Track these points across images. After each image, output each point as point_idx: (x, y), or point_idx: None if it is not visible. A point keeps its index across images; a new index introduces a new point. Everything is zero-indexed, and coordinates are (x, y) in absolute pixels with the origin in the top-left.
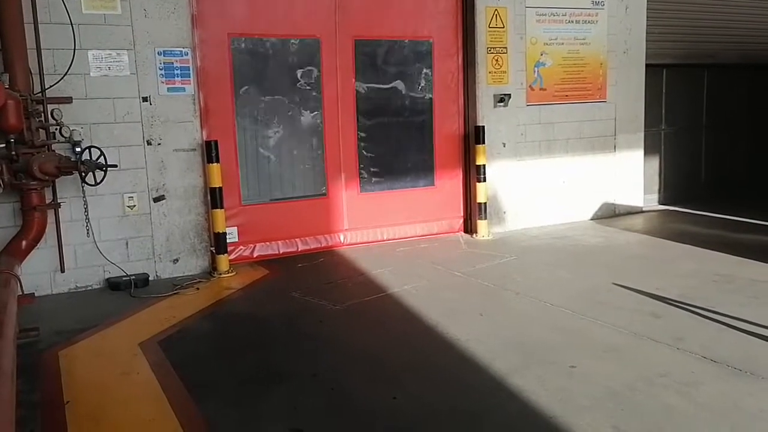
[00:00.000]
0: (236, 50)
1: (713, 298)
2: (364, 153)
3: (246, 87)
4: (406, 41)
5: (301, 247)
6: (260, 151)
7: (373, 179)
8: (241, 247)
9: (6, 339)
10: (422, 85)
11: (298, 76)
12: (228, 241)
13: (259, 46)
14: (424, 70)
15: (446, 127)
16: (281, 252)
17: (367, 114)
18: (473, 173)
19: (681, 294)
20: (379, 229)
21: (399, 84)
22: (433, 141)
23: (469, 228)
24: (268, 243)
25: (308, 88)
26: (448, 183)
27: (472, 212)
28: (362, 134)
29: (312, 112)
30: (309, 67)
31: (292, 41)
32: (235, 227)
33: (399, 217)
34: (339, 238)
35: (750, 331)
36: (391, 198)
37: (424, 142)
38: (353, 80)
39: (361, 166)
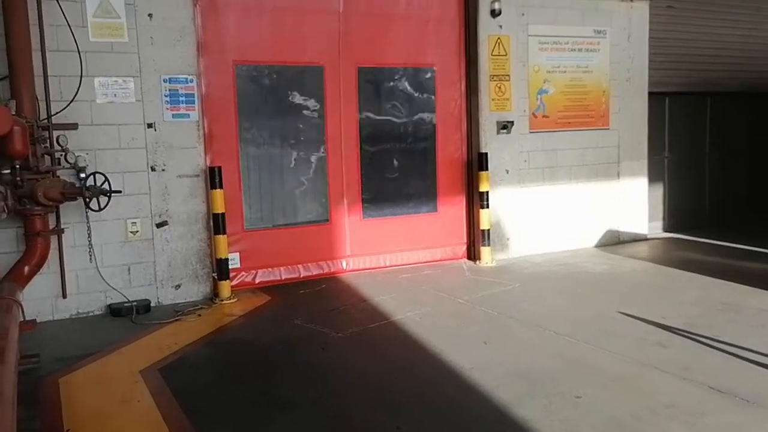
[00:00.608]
0: (241, 77)
1: (719, 326)
2: (367, 179)
3: (249, 113)
4: (410, 69)
5: (303, 274)
6: (263, 177)
7: (376, 205)
8: (243, 273)
9: (7, 365)
10: (425, 111)
11: (302, 103)
12: (230, 266)
13: (264, 73)
14: (427, 97)
15: (449, 153)
16: (283, 278)
17: (370, 140)
18: (476, 200)
19: (686, 323)
20: (382, 255)
21: (402, 110)
22: (435, 167)
23: (473, 255)
24: (270, 269)
25: (311, 114)
26: (451, 209)
27: (476, 239)
28: (365, 160)
29: (315, 139)
30: (312, 95)
31: (297, 69)
32: (238, 253)
33: (402, 243)
34: (341, 265)
35: (756, 361)
36: (394, 224)
37: (426, 168)
38: (356, 107)
39: (364, 192)
